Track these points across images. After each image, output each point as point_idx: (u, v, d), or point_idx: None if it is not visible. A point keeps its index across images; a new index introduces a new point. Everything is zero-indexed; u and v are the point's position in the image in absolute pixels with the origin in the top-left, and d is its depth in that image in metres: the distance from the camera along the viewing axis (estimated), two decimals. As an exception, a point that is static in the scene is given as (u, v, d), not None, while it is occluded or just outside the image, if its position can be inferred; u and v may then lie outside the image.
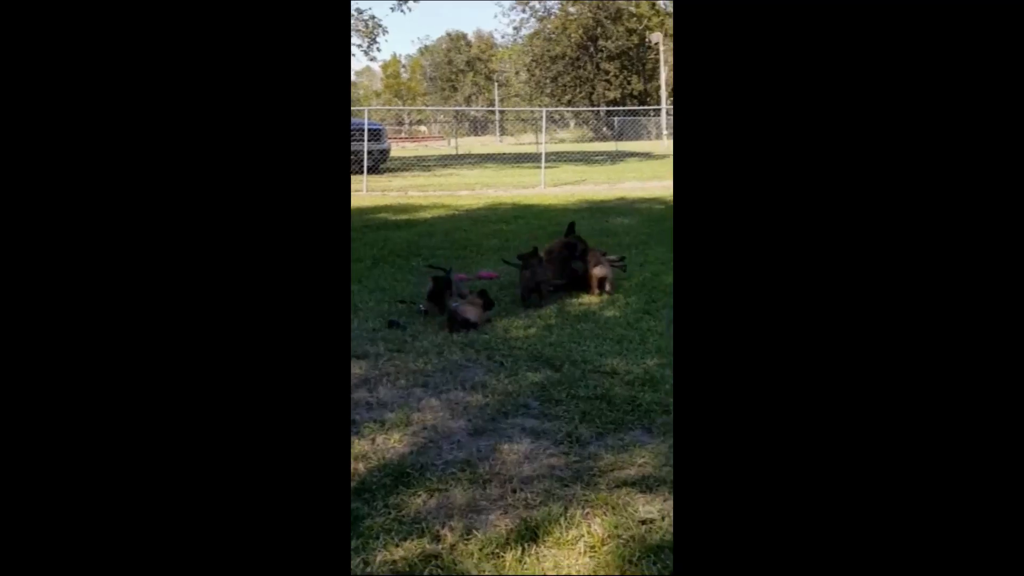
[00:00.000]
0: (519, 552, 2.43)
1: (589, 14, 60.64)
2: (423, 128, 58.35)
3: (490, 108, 64.71)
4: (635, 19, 61.41)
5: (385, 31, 41.56)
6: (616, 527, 2.54)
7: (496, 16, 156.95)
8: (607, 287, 5.92)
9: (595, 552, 2.44)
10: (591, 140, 48.17)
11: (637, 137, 41.01)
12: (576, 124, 56.72)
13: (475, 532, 2.54)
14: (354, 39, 29.37)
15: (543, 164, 18.62)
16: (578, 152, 32.39)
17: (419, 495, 2.77)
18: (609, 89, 60.81)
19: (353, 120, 20.37)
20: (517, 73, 67.58)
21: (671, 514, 2.54)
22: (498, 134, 55.20)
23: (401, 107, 72.22)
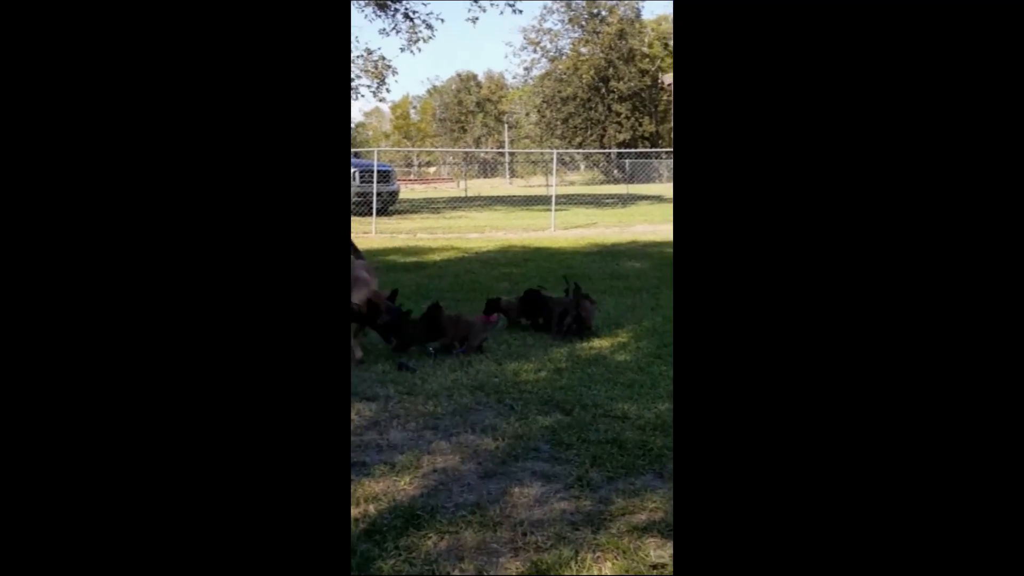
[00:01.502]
0: (530, 596, 2.44)
1: (601, 55, 60.90)
2: (432, 170, 58.60)
3: (500, 150, 64.91)
4: (647, 60, 61.66)
5: (395, 72, 41.72)
6: (627, 571, 2.54)
7: (507, 56, 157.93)
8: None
9: (605, 597, 2.44)
10: (602, 183, 48.28)
11: (648, 180, 41.06)
12: (587, 166, 56.77)
13: (485, 575, 2.54)
14: (363, 80, 29.62)
15: (553, 207, 18.73)
16: (589, 195, 32.46)
17: (430, 537, 2.77)
18: (620, 131, 60.95)
19: (363, 162, 20.47)
20: (527, 114, 67.60)
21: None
22: (508, 176, 55.37)
23: (410, 148, 72.54)
